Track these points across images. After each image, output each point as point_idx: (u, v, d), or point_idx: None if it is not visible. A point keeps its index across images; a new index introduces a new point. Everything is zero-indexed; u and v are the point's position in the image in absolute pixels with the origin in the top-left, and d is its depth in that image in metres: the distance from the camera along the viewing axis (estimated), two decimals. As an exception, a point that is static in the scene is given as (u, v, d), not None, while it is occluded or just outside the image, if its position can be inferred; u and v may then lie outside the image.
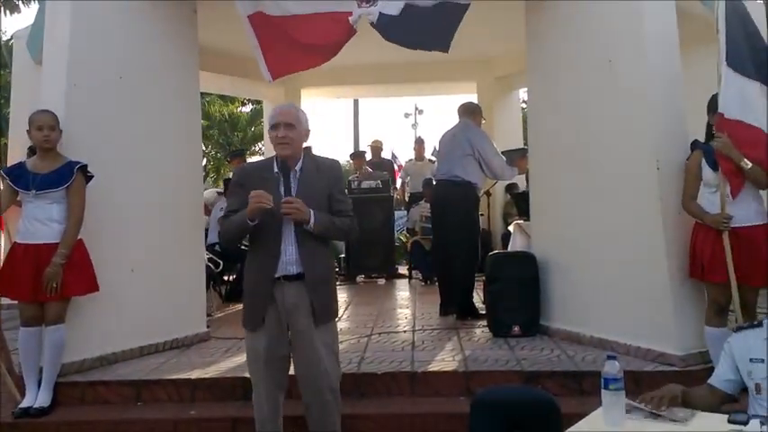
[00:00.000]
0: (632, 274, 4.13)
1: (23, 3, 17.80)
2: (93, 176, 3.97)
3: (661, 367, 3.87)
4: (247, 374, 3.95)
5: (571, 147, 4.61)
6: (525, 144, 7.33)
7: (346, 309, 6.17)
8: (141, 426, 3.69)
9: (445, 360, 4.22)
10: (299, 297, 2.92)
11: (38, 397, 3.79)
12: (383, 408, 3.74)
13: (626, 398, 2.13)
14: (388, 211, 8.12)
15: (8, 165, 5.10)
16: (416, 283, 7.80)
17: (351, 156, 11.00)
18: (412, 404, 3.79)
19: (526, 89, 6.71)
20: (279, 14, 4.47)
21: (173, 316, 4.66)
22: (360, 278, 8.09)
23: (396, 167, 10.90)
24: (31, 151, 4.29)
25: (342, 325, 5.26)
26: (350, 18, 4.29)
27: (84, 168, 3.91)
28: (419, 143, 10.11)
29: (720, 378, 2.45)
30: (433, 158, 9.12)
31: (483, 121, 5.81)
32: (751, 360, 2.35)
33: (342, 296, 6.74)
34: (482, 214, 8.23)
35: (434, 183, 5.87)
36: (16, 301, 3.92)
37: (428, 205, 7.00)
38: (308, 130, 3.06)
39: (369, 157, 9.91)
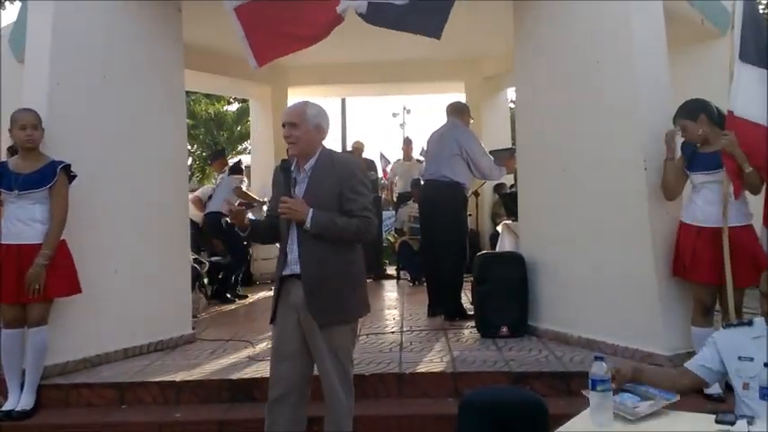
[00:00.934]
0: (620, 274, 4.14)
1: (9, 0, 17.62)
2: (76, 176, 3.92)
3: (648, 367, 3.88)
4: (233, 377, 3.99)
5: (559, 147, 4.61)
6: (513, 144, 7.35)
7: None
8: (125, 429, 3.65)
9: (433, 361, 4.21)
10: (302, 296, 2.91)
11: (20, 400, 3.74)
12: (371, 409, 3.71)
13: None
14: (377, 211, 8.10)
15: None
16: (404, 284, 7.78)
17: None
18: (399, 406, 3.78)
19: (514, 89, 6.72)
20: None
21: (157, 317, 4.61)
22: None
23: (382, 169, 10.87)
24: (10, 151, 4.23)
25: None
26: (337, 8, 4.26)
27: (67, 168, 3.86)
28: (407, 143, 10.10)
29: (697, 362, 2.45)
30: (421, 158, 9.11)
31: (471, 121, 5.81)
32: (740, 358, 2.36)
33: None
34: (470, 214, 8.22)
35: (422, 183, 5.85)
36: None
37: (416, 205, 6.99)
38: (318, 126, 2.97)
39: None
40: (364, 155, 9.74)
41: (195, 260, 5.99)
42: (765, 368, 2.15)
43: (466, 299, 5.73)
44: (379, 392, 3.88)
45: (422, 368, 4.06)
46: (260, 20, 4.44)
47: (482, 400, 2.61)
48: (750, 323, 2.43)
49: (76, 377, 4.03)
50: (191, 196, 7.42)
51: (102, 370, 4.17)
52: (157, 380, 3.97)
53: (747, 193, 3.68)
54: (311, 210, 2.85)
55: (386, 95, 18.06)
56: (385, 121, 66.20)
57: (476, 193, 8.22)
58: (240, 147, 21.02)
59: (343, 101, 22.13)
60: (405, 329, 5.14)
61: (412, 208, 7.80)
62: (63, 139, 4.05)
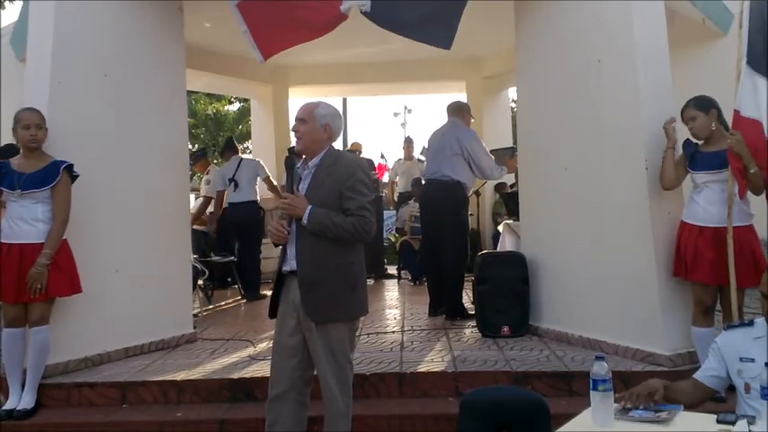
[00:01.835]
0: (621, 274, 4.14)
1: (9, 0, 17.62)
2: (78, 176, 3.92)
3: (650, 367, 3.87)
4: (234, 376, 3.98)
5: (560, 146, 4.61)
6: (514, 143, 7.34)
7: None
8: (126, 428, 3.64)
9: (434, 361, 4.20)
10: (298, 293, 2.92)
11: (21, 399, 3.74)
12: (371, 409, 3.71)
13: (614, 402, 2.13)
14: (378, 210, 8.10)
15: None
16: (405, 284, 7.78)
17: None
18: (400, 405, 3.77)
19: (515, 88, 6.71)
20: None
21: (158, 316, 4.62)
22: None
23: (377, 166, 10.85)
24: (4, 151, 4.24)
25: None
26: (340, 7, 4.25)
27: (69, 168, 3.86)
28: (408, 143, 10.10)
29: (706, 374, 2.45)
30: (422, 158, 9.10)
31: (472, 120, 5.81)
32: (741, 359, 2.36)
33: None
34: (471, 214, 8.23)
35: (423, 182, 5.84)
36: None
37: (417, 205, 6.99)
38: (326, 126, 2.98)
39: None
40: (363, 155, 9.77)
41: (203, 261, 6.00)
42: (766, 368, 2.15)
43: (467, 298, 5.73)
44: (380, 392, 3.88)
45: (423, 368, 4.06)
46: (262, 14, 4.44)
47: (483, 399, 2.61)
48: (751, 323, 2.43)
49: (78, 376, 4.03)
50: (199, 200, 7.35)
51: (104, 369, 4.17)
52: (158, 379, 3.97)
53: (748, 192, 3.68)
54: (309, 206, 2.87)
55: (387, 95, 18.09)
56: (386, 120, 66.26)
57: (477, 193, 8.22)
58: (241, 146, 20.99)
59: (345, 100, 22.10)
60: (405, 329, 5.14)
61: (413, 207, 7.80)
62: (64, 138, 4.04)
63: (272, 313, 3.07)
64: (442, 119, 5.80)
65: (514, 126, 7.66)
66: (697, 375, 2.48)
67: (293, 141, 3.06)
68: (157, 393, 3.90)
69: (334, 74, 8.54)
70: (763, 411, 2.12)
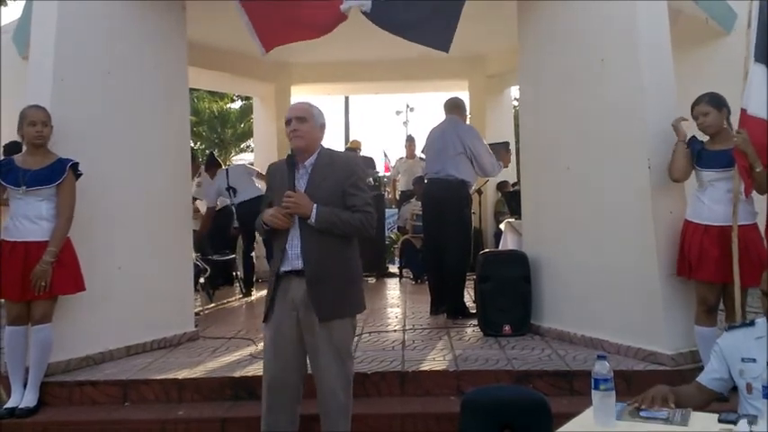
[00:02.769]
0: (623, 273, 4.13)
1: (11, -3, 17.62)
2: (81, 174, 3.92)
3: (651, 366, 3.87)
4: (236, 374, 3.99)
5: (562, 145, 4.60)
6: (517, 142, 7.33)
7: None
8: (128, 426, 3.65)
9: (436, 359, 4.20)
10: (305, 293, 2.91)
11: (24, 397, 3.75)
12: (373, 408, 3.71)
13: (626, 404, 2.13)
14: (379, 209, 8.09)
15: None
16: (407, 282, 7.78)
17: None
18: (402, 404, 3.77)
19: (518, 87, 6.71)
20: None
21: (160, 315, 4.62)
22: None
23: (384, 165, 10.86)
24: (6, 149, 4.23)
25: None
26: (341, 6, 4.25)
27: (75, 166, 3.87)
28: (410, 141, 10.09)
29: (710, 377, 2.44)
30: (423, 155, 9.10)
31: (468, 116, 5.81)
32: (742, 359, 2.35)
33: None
34: (473, 213, 8.22)
35: (426, 181, 5.82)
36: (1, 300, 3.87)
37: (419, 203, 6.98)
38: (322, 125, 3.07)
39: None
40: (362, 153, 9.77)
41: (204, 259, 6.00)
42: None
43: (468, 297, 5.73)
44: (382, 391, 3.88)
45: (424, 366, 4.06)
46: (265, 8, 4.45)
47: (484, 398, 2.61)
48: (752, 324, 2.42)
49: (79, 374, 4.03)
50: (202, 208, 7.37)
51: (106, 367, 4.17)
52: (160, 377, 3.97)
53: (753, 191, 3.67)
54: (315, 205, 2.87)
55: (389, 93, 18.05)
56: (388, 118, 66.21)
57: (479, 192, 8.21)
58: (243, 144, 21.01)
59: (347, 99, 22.13)
60: (407, 328, 5.14)
61: (414, 206, 7.79)
62: (66, 135, 4.04)
63: (269, 317, 3.00)
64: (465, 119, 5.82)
65: (517, 125, 7.65)
66: (700, 379, 2.47)
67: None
68: (159, 392, 3.90)
69: (336, 72, 8.53)
70: (764, 411, 2.11)
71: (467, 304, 5.52)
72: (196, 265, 5.64)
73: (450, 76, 8.85)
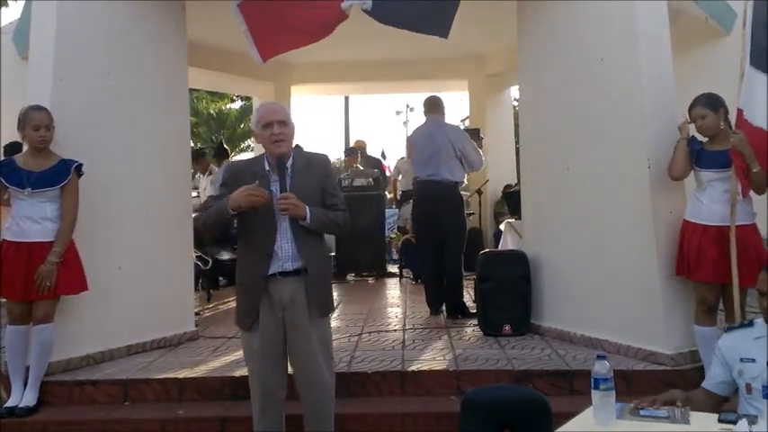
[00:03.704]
0: (623, 273, 4.13)
1: (11, -3, 17.61)
2: (82, 174, 3.93)
3: (651, 366, 3.87)
4: (236, 374, 3.98)
5: (562, 145, 4.60)
6: (517, 142, 7.33)
7: (336, 307, 6.14)
8: (128, 425, 3.65)
9: (436, 359, 4.20)
10: (296, 292, 2.92)
11: (24, 396, 3.75)
12: (373, 407, 3.72)
13: (636, 404, 2.14)
14: (380, 208, 8.10)
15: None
16: (407, 282, 7.78)
17: (345, 153, 11.01)
18: (402, 404, 3.77)
19: (518, 87, 6.72)
20: None
21: (160, 314, 4.62)
22: (350, 277, 8.06)
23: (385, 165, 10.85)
24: (7, 149, 4.23)
25: (332, 324, 5.21)
26: (342, 5, 4.25)
27: (78, 168, 3.87)
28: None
29: (714, 381, 2.45)
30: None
31: (467, 117, 5.86)
32: (741, 360, 2.35)
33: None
34: (473, 213, 8.22)
35: (419, 183, 5.78)
36: (1, 299, 3.87)
37: (420, 203, 6.97)
38: (294, 127, 3.10)
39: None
40: (368, 153, 9.77)
41: (198, 257, 5.98)
42: (768, 367, 2.15)
43: (468, 297, 5.74)
44: (382, 390, 3.88)
45: (424, 366, 4.06)
46: (263, 16, 4.44)
47: (484, 398, 2.62)
48: (750, 324, 2.43)
49: (80, 374, 4.03)
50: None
51: (106, 367, 4.18)
52: (160, 377, 3.97)
53: (751, 192, 3.67)
54: (306, 206, 2.89)
55: (389, 93, 18.08)
56: (388, 118, 66.26)
57: (479, 192, 8.21)
58: (243, 144, 21.03)
59: (347, 99, 22.15)
60: (407, 327, 5.14)
61: (415, 206, 7.78)
62: (66, 135, 4.04)
63: (255, 321, 2.93)
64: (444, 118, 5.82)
65: (517, 125, 7.66)
66: (706, 384, 2.48)
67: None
68: (159, 391, 3.90)
69: (336, 72, 8.54)
70: (764, 411, 2.12)
71: (466, 303, 5.52)
72: (196, 265, 5.63)
73: (450, 76, 8.86)
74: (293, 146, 3.09)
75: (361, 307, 6.08)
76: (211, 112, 20.55)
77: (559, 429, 2.08)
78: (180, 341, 4.75)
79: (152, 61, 4.69)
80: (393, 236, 9.30)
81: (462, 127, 8.22)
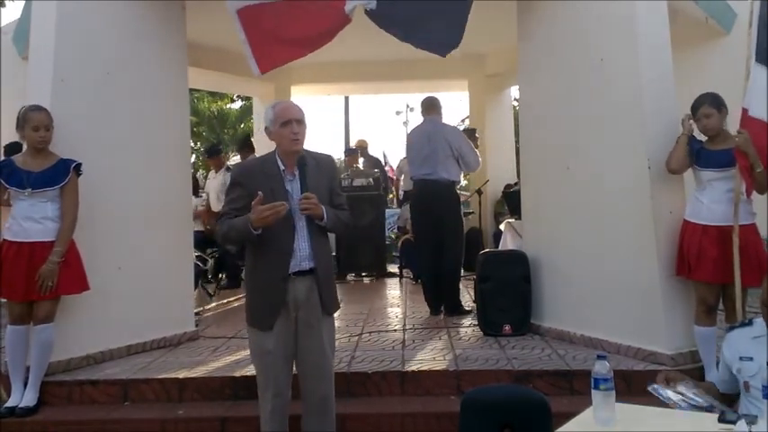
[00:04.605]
0: (623, 273, 4.13)
1: (10, -2, 17.60)
2: (81, 173, 3.93)
3: (651, 366, 3.87)
4: (236, 374, 3.98)
5: (562, 145, 4.60)
6: (517, 142, 7.33)
7: (337, 307, 6.15)
8: (128, 425, 3.65)
9: (436, 359, 4.20)
10: (310, 291, 2.93)
11: (24, 396, 3.75)
12: (373, 407, 3.72)
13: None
14: (380, 209, 8.10)
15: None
16: (407, 282, 7.78)
17: (345, 152, 11.02)
18: (402, 404, 3.77)
19: (518, 87, 6.71)
20: (270, 0, 4.41)
21: (160, 314, 4.62)
22: (350, 276, 8.07)
23: (387, 168, 10.85)
24: (7, 149, 4.23)
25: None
26: (345, 7, 4.22)
27: (78, 167, 3.87)
28: (411, 141, 10.07)
29: (722, 379, 2.48)
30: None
31: (467, 117, 5.87)
32: (740, 358, 2.36)
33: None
34: (473, 213, 8.23)
35: (416, 182, 5.79)
36: (1, 299, 3.87)
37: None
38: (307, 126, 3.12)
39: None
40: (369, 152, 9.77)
41: (198, 257, 5.98)
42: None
43: (468, 297, 5.73)
44: (382, 390, 3.88)
45: (424, 366, 4.06)
46: (263, 24, 4.38)
47: (484, 398, 2.61)
48: (750, 323, 2.43)
49: (80, 374, 4.04)
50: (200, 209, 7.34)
51: (106, 367, 4.18)
52: (160, 377, 3.97)
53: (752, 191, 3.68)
54: (323, 206, 2.91)
55: (389, 93, 18.07)
56: (388, 118, 66.28)
57: (479, 192, 8.21)
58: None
59: (347, 99, 22.12)
60: (407, 327, 5.14)
61: (415, 206, 7.77)
62: (66, 135, 4.04)
63: (273, 322, 2.90)
64: (444, 118, 5.84)
65: (517, 125, 7.66)
66: (717, 384, 2.50)
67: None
68: (159, 391, 3.90)
69: (336, 72, 8.53)
70: (764, 411, 2.11)
71: (464, 303, 5.54)
72: (196, 265, 5.63)
73: (450, 76, 8.85)
74: None
75: (361, 307, 6.08)
76: (212, 111, 20.54)
77: (559, 429, 2.08)
78: (180, 341, 4.75)
79: (152, 61, 4.70)
80: (393, 236, 9.30)
81: (462, 127, 8.24)
